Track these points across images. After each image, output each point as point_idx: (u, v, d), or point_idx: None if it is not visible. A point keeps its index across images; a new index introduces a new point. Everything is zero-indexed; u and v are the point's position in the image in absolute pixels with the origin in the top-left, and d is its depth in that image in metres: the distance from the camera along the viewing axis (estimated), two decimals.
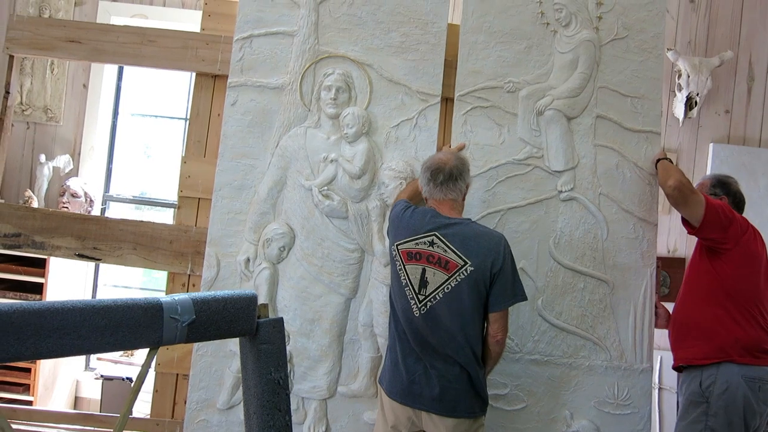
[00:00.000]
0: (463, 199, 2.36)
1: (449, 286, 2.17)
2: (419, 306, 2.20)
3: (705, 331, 2.58)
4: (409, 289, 2.22)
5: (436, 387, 2.18)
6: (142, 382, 1.06)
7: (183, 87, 4.60)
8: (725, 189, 2.75)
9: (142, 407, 3.56)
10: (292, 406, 2.59)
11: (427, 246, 2.21)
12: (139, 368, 1.05)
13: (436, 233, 2.21)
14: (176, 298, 1.08)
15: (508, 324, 2.26)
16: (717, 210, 2.52)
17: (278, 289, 2.66)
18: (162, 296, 1.08)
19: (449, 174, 2.28)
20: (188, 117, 3.01)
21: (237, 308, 1.16)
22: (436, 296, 2.18)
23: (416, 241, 2.23)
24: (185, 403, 2.68)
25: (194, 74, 2.98)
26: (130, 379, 3.95)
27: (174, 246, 2.83)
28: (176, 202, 2.97)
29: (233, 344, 2.58)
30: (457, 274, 2.17)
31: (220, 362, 2.64)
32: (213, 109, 2.91)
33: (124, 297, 1.07)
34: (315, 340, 2.63)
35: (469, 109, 2.71)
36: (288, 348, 2.61)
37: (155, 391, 2.82)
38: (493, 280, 2.17)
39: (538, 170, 2.69)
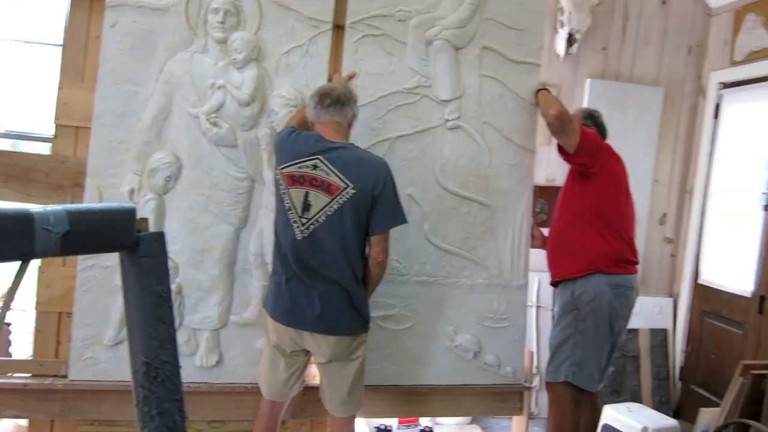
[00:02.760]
0: (348, 128, 2.38)
1: (331, 208, 2.21)
2: (302, 229, 2.23)
3: (577, 248, 2.84)
4: (293, 213, 2.24)
5: (318, 307, 2.25)
6: (14, 295, 1.03)
7: (58, 10, 4.25)
8: (594, 120, 3.01)
9: (24, 349, 3.41)
10: (183, 338, 2.58)
11: (311, 169, 2.23)
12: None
13: (320, 157, 2.23)
14: (48, 208, 1.04)
15: (389, 246, 2.34)
16: (589, 138, 2.76)
17: (165, 220, 2.58)
18: (33, 206, 1.04)
19: (337, 98, 2.30)
20: (64, 40, 2.79)
21: (114, 220, 1.13)
22: (318, 219, 2.22)
23: (299, 165, 2.24)
24: (70, 341, 2.59)
25: None
26: (9, 325, 3.75)
27: (50, 178, 2.66)
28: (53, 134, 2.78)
29: (119, 279, 2.51)
30: (339, 196, 2.21)
31: (105, 297, 2.55)
32: (91, 31, 2.71)
33: None
34: (205, 271, 2.61)
35: (360, 36, 2.69)
36: (177, 280, 2.57)
37: (37, 331, 2.70)
38: (373, 204, 2.23)
39: (426, 99, 2.74)
